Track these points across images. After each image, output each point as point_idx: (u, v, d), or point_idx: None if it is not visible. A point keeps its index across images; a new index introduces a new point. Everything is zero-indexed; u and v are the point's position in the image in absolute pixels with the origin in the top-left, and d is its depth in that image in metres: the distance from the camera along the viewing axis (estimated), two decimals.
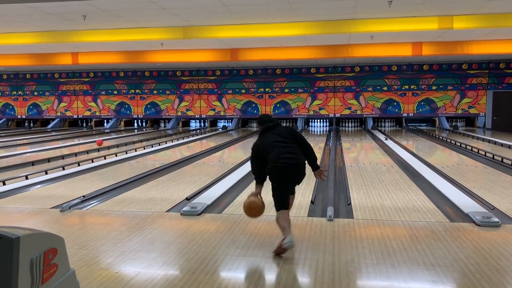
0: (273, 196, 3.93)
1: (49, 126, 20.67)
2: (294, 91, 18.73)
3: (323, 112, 18.70)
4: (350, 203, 5.43)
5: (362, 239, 4.06)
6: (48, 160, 9.32)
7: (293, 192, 4.15)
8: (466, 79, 17.44)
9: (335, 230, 4.31)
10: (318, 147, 12.06)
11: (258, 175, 4.11)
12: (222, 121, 20.16)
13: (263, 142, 4.07)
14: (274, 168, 3.86)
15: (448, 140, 12.59)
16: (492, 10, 8.76)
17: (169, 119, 20.28)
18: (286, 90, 18.73)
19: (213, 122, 20.44)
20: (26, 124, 21.47)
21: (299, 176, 3.98)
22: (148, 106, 20.06)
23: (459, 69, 17.40)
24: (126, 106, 20.26)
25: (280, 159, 3.86)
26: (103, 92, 20.31)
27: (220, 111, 19.50)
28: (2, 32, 11.05)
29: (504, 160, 8.48)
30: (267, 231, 4.12)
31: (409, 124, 18.80)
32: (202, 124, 20.55)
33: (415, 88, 17.84)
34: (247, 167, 7.92)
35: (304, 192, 6.02)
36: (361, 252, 3.71)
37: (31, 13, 8.75)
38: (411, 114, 18.14)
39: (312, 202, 5.52)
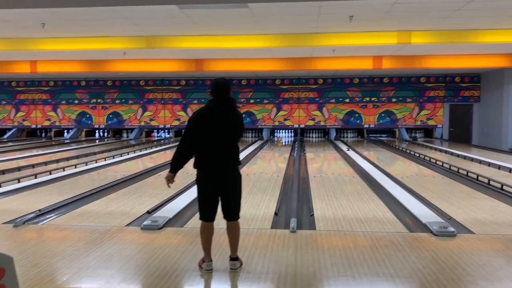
0: (198, 198, 3.58)
1: (5, 136, 19.85)
2: (260, 102, 18.84)
3: (288, 123, 18.88)
4: (313, 214, 5.48)
5: (324, 250, 4.08)
6: (3, 172, 8.92)
7: (234, 217, 3.61)
8: (424, 92, 18.07)
9: (298, 242, 4.32)
10: (283, 157, 12.14)
11: (184, 161, 3.52)
12: None
13: (209, 123, 3.43)
14: (204, 172, 3.48)
15: (408, 151, 12.97)
16: (447, 27, 9.15)
17: (131, 129, 19.92)
18: (252, 101, 18.82)
19: (178, 132, 20.23)
20: None
21: (229, 186, 3.54)
22: (110, 116, 19.64)
23: (417, 82, 18.01)
24: (88, 116, 19.76)
25: (214, 163, 3.45)
26: (63, 102, 19.73)
27: (185, 121, 19.30)
28: None
29: (460, 171, 8.81)
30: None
31: (370, 135, 19.26)
32: (167, 134, 20.31)
33: (376, 100, 18.32)
34: None
35: (268, 204, 6.03)
36: (323, 264, 3.73)
37: None
38: (372, 125, 18.59)
39: (275, 213, 5.52)
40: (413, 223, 5.12)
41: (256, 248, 4.17)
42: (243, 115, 18.34)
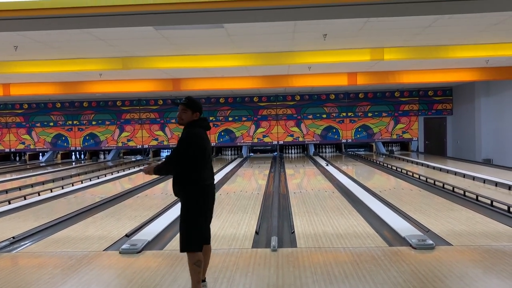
0: (188, 228, 3.36)
1: None
2: (238, 120, 18.90)
3: (267, 139, 18.97)
4: (294, 232, 5.48)
5: (305, 268, 4.08)
6: None
7: (207, 241, 3.61)
8: (399, 106, 18.46)
9: (279, 261, 4.30)
10: (263, 174, 12.15)
11: (167, 174, 3.59)
12: (165, 151, 19.82)
13: (205, 142, 3.43)
14: (201, 189, 3.39)
15: (385, 165, 13.15)
16: (418, 43, 9.41)
17: (109, 151, 19.66)
18: (230, 119, 18.87)
19: (156, 152, 20.05)
20: None
21: (213, 205, 3.61)
22: (87, 137, 19.36)
23: (392, 96, 18.40)
24: (63, 138, 19.43)
25: (208, 181, 3.45)
26: (38, 124, 19.37)
27: (163, 141, 19.19)
28: None
29: (436, 183, 8.97)
30: (211, 265, 4.03)
31: (348, 150, 19.50)
32: (144, 155, 20.11)
33: (352, 115, 18.61)
34: None
35: (249, 222, 6.00)
36: (304, 282, 3.72)
37: None
38: (349, 140, 18.84)
39: (256, 232, 5.50)
40: (392, 237, 5.17)
41: (237, 268, 4.14)
42: (222, 133, 18.60)
